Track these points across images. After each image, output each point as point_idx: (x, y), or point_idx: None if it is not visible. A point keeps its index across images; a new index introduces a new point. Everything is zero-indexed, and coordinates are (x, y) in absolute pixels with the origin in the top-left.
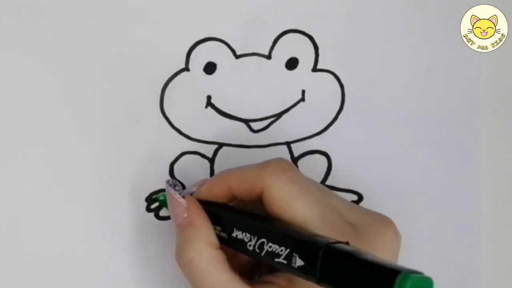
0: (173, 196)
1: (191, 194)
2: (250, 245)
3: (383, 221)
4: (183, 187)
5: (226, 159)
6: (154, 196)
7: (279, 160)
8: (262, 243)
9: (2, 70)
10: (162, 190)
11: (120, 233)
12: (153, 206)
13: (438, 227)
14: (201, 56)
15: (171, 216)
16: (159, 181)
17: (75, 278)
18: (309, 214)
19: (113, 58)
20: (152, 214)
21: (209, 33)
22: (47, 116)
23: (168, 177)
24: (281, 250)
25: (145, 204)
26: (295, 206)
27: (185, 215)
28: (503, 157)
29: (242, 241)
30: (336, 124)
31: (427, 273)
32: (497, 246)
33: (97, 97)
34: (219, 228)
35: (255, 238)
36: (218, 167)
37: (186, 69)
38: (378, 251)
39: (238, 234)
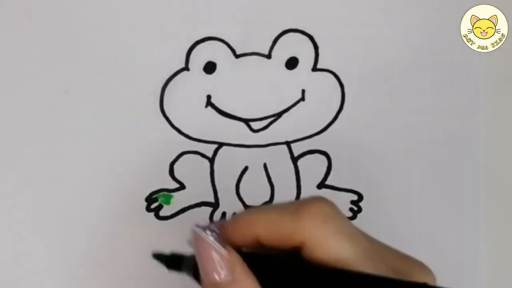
0: (210, 244)
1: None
2: None
3: (423, 267)
4: (183, 187)
5: (226, 159)
6: (154, 196)
7: (318, 202)
8: None
9: (2, 70)
10: (162, 190)
11: (120, 233)
12: (153, 206)
13: (438, 227)
14: (201, 56)
15: (200, 270)
16: (159, 181)
17: (75, 278)
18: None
19: (113, 58)
20: (152, 214)
21: (209, 32)
22: (47, 115)
23: (168, 177)
24: None
25: (145, 204)
26: (349, 262)
27: (223, 271)
28: (503, 157)
29: None
30: (336, 124)
31: None
32: (497, 246)
33: (97, 97)
34: None
35: None
36: (218, 166)
37: (186, 68)
38: None
39: None
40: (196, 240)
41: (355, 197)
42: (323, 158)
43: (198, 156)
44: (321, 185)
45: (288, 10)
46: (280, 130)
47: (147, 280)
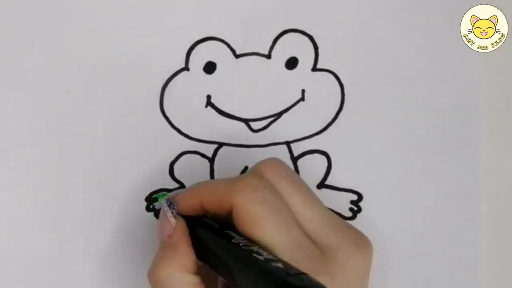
0: (166, 213)
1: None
2: (217, 266)
3: (356, 243)
4: (183, 187)
5: (226, 159)
6: (154, 196)
7: (252, 176)
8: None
9: (2, 70)
10: (162, 190)
11: (120, 233)
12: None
13: (438, 227)
14: (201, 56)
15: (158, 231)
16: (159, 181)
17: (75, 278)
18: (276, 237)
19: (113, 58)
20: (152, 214)
21: (209, 32)
22: (47, 115)
23: (168, 177)
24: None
25: (145, 204)
26: (263, 227)
27: (170, 234)
28: (503, 157)
29: (211, 259)
30: (336, 124)
31: (427, 273)
32: (497, 246)
33: (97, 97)
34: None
35: (221, 260)
36: (218, 166)
37: (186, 68)
38: (344, 274)
39: (208, 254)
40: (162, 209)
41: (355, 197)
42: (323, 158)
43: (198, 156)
44: (321, 185)
45: (288, 10)
46: (280, 130)
47: (147, 280)
